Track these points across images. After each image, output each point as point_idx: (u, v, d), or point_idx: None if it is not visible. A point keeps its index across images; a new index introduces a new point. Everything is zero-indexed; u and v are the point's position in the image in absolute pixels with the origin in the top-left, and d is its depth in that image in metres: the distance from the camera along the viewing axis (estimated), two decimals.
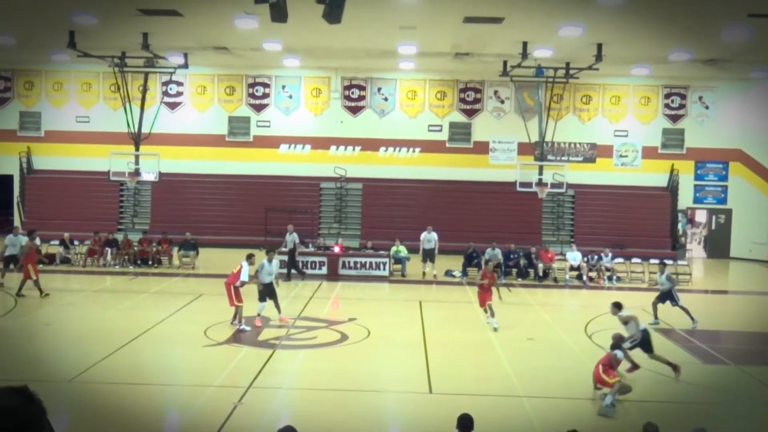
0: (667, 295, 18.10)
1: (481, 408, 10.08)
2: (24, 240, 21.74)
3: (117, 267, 25.16)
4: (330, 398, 11.51)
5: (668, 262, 25.76)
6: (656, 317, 17.94)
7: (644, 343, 13.15)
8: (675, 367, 12.85)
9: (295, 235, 23.74)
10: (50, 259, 24.87)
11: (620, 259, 25.91)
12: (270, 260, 16.75)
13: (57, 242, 26.31)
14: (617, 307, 13.61)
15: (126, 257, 25.60)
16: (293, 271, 23.53)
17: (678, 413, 11.19)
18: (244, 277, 16.16)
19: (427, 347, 14.78)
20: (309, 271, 24.22)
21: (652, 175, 32.68)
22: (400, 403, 11.76)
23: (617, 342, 12.16)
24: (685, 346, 15.75)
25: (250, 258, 16.51)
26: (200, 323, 16.11)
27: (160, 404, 11.34)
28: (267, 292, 16.62)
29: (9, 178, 33.18)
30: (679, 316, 17.73)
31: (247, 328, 15.84)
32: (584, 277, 24.51)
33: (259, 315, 16.50)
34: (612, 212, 31.72)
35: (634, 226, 31.08)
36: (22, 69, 33.11)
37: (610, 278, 24.72)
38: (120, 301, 19.50)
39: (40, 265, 20.73)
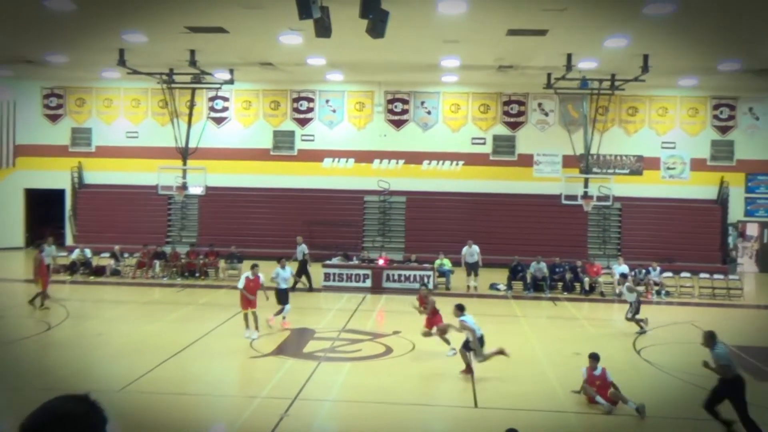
0: (637, 305, 18.42)
1: (528, 423, 10.00)
2: (54, 250, 22.53)
3: (165, 279, 25.60)
4: (375, 411, 11.51)
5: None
6: (642, 327, 18.09)
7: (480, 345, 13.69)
8: (501, 352, 13.55)
9: (304, 246, 24.19)
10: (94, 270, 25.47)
11: (669, 274, 25.44)
12: (283, 267, 18.25)
13: (107, 254, 26.90)
14: (460, 309, 14.04)
15: (174, 269, 26.05)
16: (302, 280, 23.92)
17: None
18: (240, 284, 16.74)
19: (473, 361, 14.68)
20: (353, 284, 24.36)
21: (700, 188, 32.08)
22: (445, 417, 11.73)
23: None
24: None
25: (253, 268, 17.06)
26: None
27: (208, 415, 11.48)
28: (282, 297, 17.84)
29: (61, 193, 34.03)
30: (728, 331, 17.31)
31: (254, 336, 16.20)
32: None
33: (284, 318, 17.61)
34: (660, 225, 31.16)
35: (683, 239, 30.49)
36: (73, 86, 34.00)
37: (658, 293, 24.28)
38: (168, 312, 19.83)
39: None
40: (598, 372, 11.97)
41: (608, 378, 11.83)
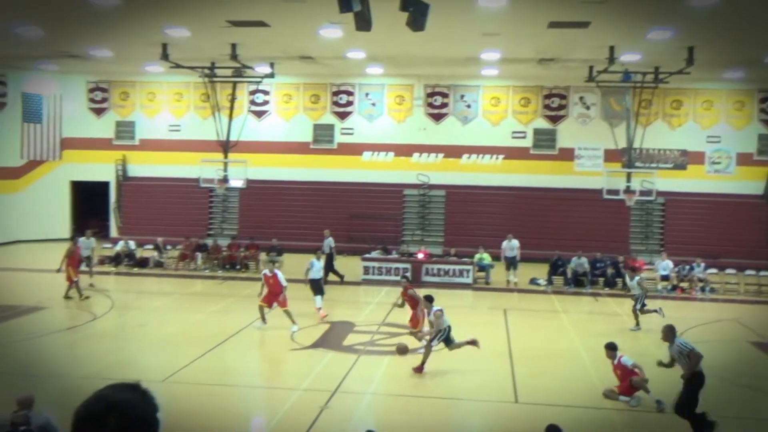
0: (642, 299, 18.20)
1: (568, 419, 9.92)
2: (93, 242, 23.02)
3: (206, 271, 25.93)
4: (415, 405, 11.55)
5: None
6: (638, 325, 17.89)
7: (447, 337, 13.61)
8: (473, 342, 13.72)
9: (330, 239, 24.34)
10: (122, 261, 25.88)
11: (713, 270, 24.98)
12: (318, 258, 19.27)
13: (151, 246, 27.34)
14: (430, 300, 14.07)
15: (215, 262, 26.38)
16: (331, 274, 23.88)
17: None
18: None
19: (513, 356, 14.63)
20: (392, 278, 24.32)
21: (747, 183, 31.34)
22: (485, 412, 11.70)
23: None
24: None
25: (269, 264, 17.72)
26: (287, 327, 16.39)
27: (249, 406, 11.62)
28: (316, 288, 18.54)
29: (106, 185, 34.62)
30: None
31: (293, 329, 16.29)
32: (669, 287, 23.76)
33: (319, 309, 18.08)
34: (704, 221, 30.55)
35: (728, 235, 29.77)
36: (117, 81, 34.53)
37: (702, 289, 23.86)
38: (210, 304, 20.10)
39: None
40: (616, 361, 12.07)
41: (626, 364, 11.82)
